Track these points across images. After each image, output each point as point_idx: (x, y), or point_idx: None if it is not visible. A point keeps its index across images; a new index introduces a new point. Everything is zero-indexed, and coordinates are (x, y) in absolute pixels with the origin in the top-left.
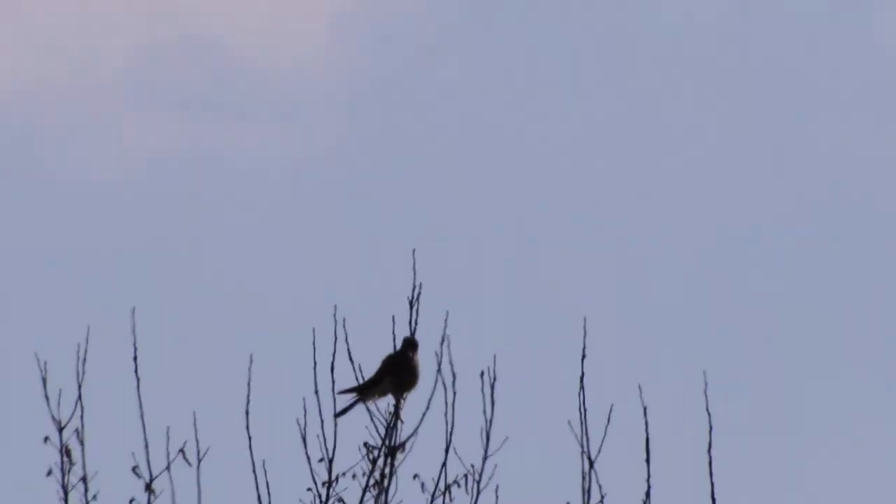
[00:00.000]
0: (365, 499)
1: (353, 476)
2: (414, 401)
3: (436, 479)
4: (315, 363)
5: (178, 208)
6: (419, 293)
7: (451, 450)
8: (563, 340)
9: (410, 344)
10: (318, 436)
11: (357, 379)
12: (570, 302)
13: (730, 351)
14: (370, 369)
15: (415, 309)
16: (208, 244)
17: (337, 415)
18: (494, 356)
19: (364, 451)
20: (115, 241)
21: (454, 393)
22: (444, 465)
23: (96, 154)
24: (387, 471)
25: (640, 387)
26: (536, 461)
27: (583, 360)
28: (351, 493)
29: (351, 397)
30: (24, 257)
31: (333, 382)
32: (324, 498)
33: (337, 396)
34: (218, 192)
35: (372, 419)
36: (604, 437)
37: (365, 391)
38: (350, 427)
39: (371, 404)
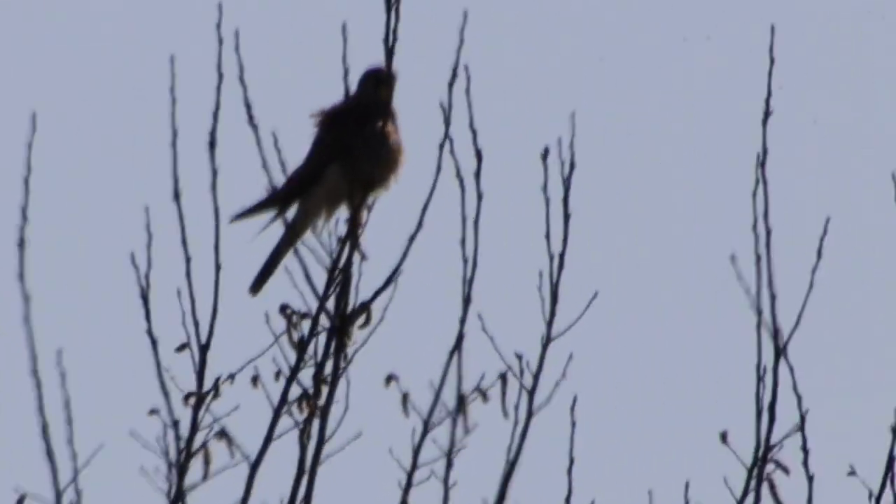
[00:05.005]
0: (277, 428)
1: (254, 380)
2: (388, 207)
3: (436, 387)
4: (174, 132)
5: None
6: None
7: (467, 317)
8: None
9: (378, 79)
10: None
11: (270, 175)
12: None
13: None
14: (296, 148)
15: (394, 7)
16: None
17: (254, 286)
18: (573, 114)
19: (284, 322)
20: None
21: (479, 194)
22: (454, 350)
23: None
24: (328, 369)
25: None
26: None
27: None
28: (252, 417)
29: (264, 224)
30: None
31: (215, 174)
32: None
33: (232, 224)
34: None
35: (296, 253)
36: (804, 304)
37: (292, 203)
38: (244, 268)
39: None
